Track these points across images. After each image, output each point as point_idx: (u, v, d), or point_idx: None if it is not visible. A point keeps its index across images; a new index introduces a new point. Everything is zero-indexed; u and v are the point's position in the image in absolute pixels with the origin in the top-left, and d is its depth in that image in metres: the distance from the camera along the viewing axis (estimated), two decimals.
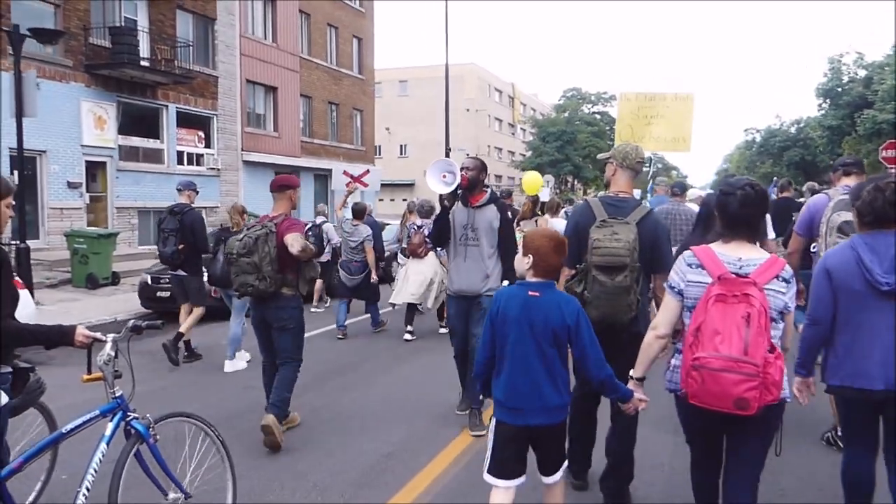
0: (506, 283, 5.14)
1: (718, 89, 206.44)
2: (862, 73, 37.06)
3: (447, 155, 28.17)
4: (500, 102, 67.69)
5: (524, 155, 54.53)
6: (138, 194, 19.19)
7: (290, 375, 5.21)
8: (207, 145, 22.25)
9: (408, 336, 9.02)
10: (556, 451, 3.17)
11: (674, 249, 7.33)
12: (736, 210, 2.88)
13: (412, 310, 9.19)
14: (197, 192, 8.11)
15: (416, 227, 8.97)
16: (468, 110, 59.56)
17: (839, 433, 4.37)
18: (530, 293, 3.02)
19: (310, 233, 8.93)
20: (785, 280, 2.82)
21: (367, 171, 14.00)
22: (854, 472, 3.26)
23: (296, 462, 4.81)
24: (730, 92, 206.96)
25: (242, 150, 23.70)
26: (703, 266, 2.87)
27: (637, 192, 9.28)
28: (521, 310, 3.01)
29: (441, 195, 5.10)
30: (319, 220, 11.03)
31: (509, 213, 5.66)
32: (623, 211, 3.76)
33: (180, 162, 21.11)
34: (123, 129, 18.96)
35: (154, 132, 20.20)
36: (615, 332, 3.60)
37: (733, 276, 2.76)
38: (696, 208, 7.32)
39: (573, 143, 48.50)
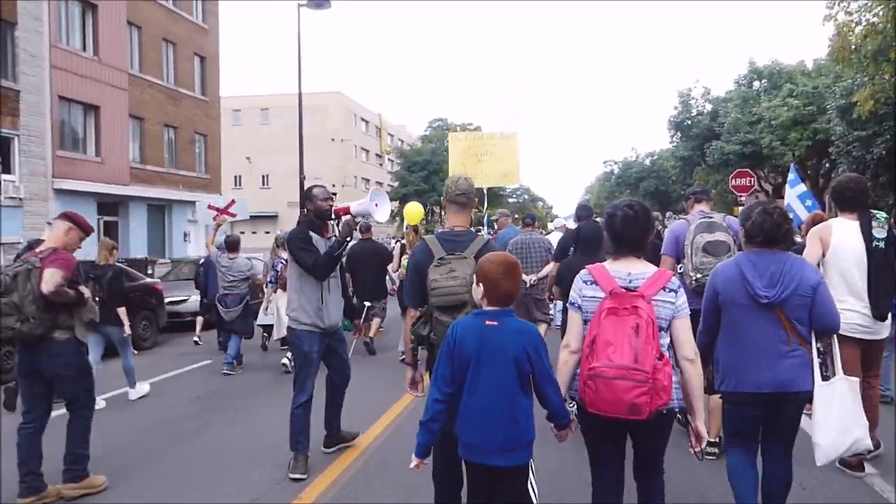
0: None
1: (579, 123, 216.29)
2: (709, 106, 38.65)
3: (301, 185, 26.29)
4: (367, 132, 66.56)
5: (392, 185, 53.20)
6: None
7: (83, 426, 4.82)
8: (6, 170, 18.96)
9: (286, 363, 8.93)
10: (517, 495, 3.00)
11: (531, 277, 7.62)
12: (619, 229, 3.11)
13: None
14: None
15: (284, 261, 8.79)
16: (333, 140, 58.04)
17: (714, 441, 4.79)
18: (487, 322, 2.95)
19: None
20: (672, 290, 3.02)
21: (233, 201, 13.62)
22: (741, 471, 3.52)
23: None
24: (589, 125, 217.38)
25: (54, 176, 20.55)
26: (596, 282, 3.06)
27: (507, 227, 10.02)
28: (478, 341, 2.92)
29: (349, 226, 5.15)
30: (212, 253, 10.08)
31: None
32: (460, 245, 3.68)
33: None
34: None
35: None
36: None
37: (623, 290, 2.97)
38: (554, 236, 7.92)
39: (439, 174, 47.75)
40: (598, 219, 8.05)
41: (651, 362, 2.79)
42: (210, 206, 12.96)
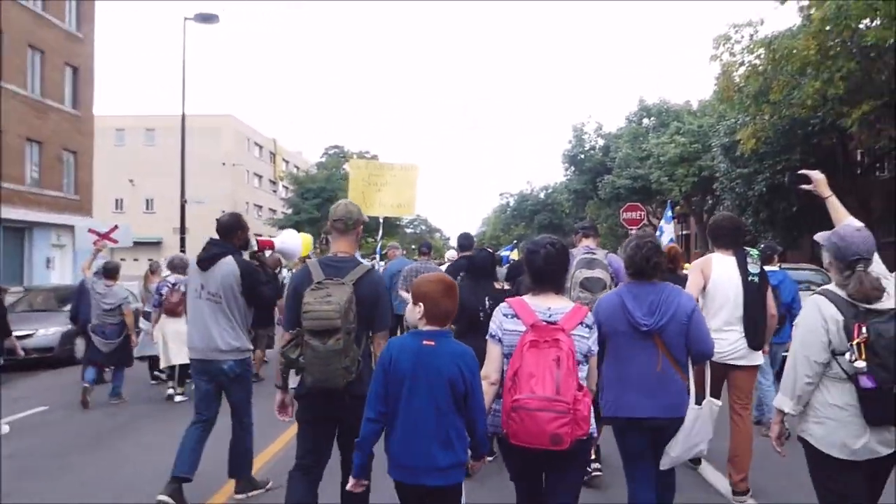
0: None
1: (477, 155, 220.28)
2: (601, 141, 39.72)
3: (182, 209, 24.76)
4: (261, 158, 64.68)
5: (286, 213, 51.50)
6: None
7: None
8: None
9: (179, 398, 8.77)
10: None
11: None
12: (541, 265, 3.22)
13: (183, 370, 8.70)
14: None
15: (170, 285, 8.74)
16: (224, 164, 55.80)
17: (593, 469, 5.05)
18: (425, 342, 2.96)
19: None
20: (587, 326, 3.18)
21: (116, 226, 13.20)
22: (640, 500, 3.61)
23: None
24: (487, 157, 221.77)
25: None
26: (517, 315, 3.13)
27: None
28: (414, 361, 2.92)
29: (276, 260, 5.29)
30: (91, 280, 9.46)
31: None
32: (341, 271, 3.69)
33: None
34: None
35: None
36: (334, 396, 3.57)
37: (544, 323, 3.06)
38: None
39: (333, 201, 46.54)
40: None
41: (572, 393, 2.88)
42: (91, 231, 12.58)
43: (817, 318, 2.94)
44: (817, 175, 3.84)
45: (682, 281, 5.22)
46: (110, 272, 9.05)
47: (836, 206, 3.69)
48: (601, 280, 5.18)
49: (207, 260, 4.92)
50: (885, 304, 2.84)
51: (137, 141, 56.18)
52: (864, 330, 2.81)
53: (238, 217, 5.24)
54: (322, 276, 3.62)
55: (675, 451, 3.61)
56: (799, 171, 3.98)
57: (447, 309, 3.01)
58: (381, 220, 11.98)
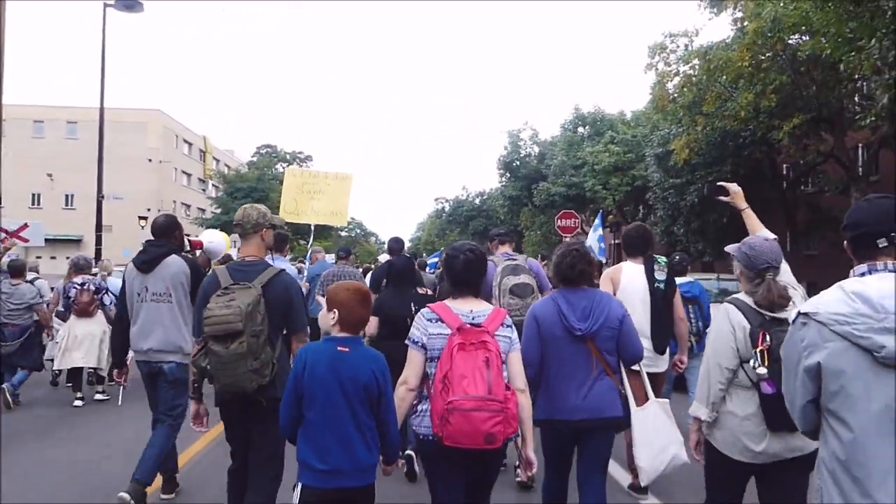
0: None
1: (413, 159, 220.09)
2: (537, 148, 39.80)
3: (99, 205, 23.36)
4: (190, 155, 62.61)
5: (215, 212, 49.78)
6: None
7: None
8: None
9: (78, 402, 8.34)
10: None
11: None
12: (460, 270, 3.31)
13: (78, 374, 8.57)
14: None
15: (78, 285, 8.59)
16: (151, 161, 53.73)
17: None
18: (339, 348, 2.99)
19: None
20: (508, 326, 3.26)
21: (26, 224, 12.84)
22: (552, 492, 3.80)
23: None
24: (423, 162, 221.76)
25: None
26: (441, 320, 3.17)
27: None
28: (329, 366, 2.95)
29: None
30: (31, 276, 9.37)
31: None
32: (249, 275, 3.68)
33: None
34: None
35: None
36: (247, 401, 3.56)
37: (469, 326, 3.11)
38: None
39: (264, 202, 45.22)
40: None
41: (502, 392, 2.97)
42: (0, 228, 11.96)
43: (726, 325, 3.05)
44: (734, 187, 3.97)
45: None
46: (16, 270, 8.66)
47: (751, 218, 3.82)
48: (529, 285, 5.30)
49: (150, 262, 4.79)
50: (790, 313, 2.78)
51: (58, 134, 53.60)
52: (767, 337, 2.93)
53: (174, 218, 5.21)
54: (230, 282, 3.61)
55: (644, 460, 3.77)
56: (717, 183, 4.09)
57: (361, 316, 3.07)
58: (313, 227, 11.89)
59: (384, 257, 14.49)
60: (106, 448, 6.39)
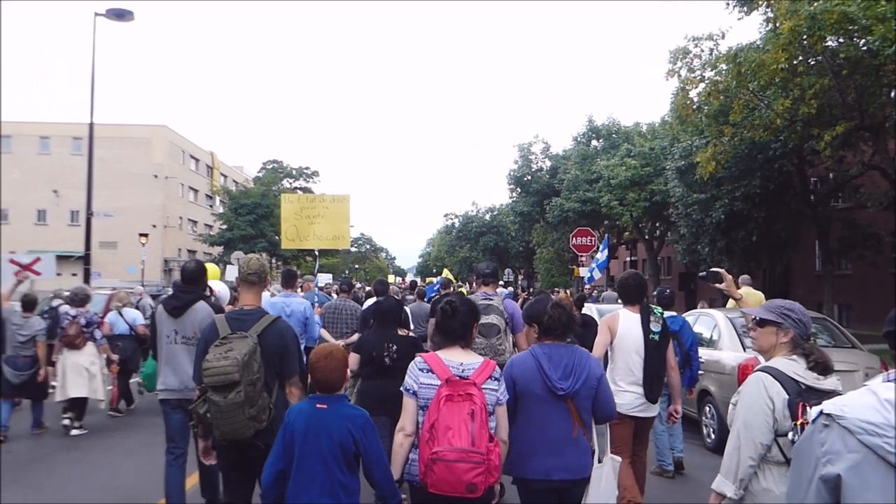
0: None
1: (421, 174, 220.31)
2: (548, 162, 38.40)
3: (88, 222, 22.36)
4: (197, 171, 61.82)
5: (222, 228, 48.72)
6: None
7: None
8: None
9: (76, 431, 8.73)
10: None
11: (341, 342, 7.86)
12: (441, 322, 3.45)
13: (79, 404, 8.84)
14: None
15: (70, 317, 8.82)
16: (156, 176, 52.89)
17: None
18: (318, 406, 3.19)
19: None
20: (495, 379, 3.34)
21: (38, 258, 12.21)
22: None
23: None
24: (432, 177, 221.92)
25: None
26: (432, 370, 3.29)
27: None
28: (308, 423, 3.15)
29: None
30: (56, 302, 10.21)
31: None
32: (246, 324, 3.85)
33: None
34: None
35: None
36: (245, 446, 3.70)
37: (458, 378, 3.22)
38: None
39: (269, 218, 44.10)
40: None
41: (485, 444, 3.07)
42: (12, 261, 11.86)
43: (763, 396, 2.90)
44: (727, 275, 4.08)
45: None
46: (28, 304, 9.08)
47: (747, 305, 3.83)
48: (495, 326, 5.53)
49: (180, 307, 5.13)
50: (827, 383, 2.87)
51: (63, 150, 52.80)
52: (808, 409, 2.68)
53: (202, 264, 5.59)
54: (228, 331, 3.78)
55: None
56: (712, 269, 4.10)
57: (333, 380, 3.27)
58: (317, 252, 12.10)
59: (391, 278, 15.19)
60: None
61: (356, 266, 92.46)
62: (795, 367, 2.91)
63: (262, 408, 3.63)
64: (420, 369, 3.31)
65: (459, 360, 3.32)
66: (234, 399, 3.53)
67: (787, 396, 2.83)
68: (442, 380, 3.19)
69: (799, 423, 2.72)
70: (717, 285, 4.06)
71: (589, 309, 11.53)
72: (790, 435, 2.77)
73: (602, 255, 17.82)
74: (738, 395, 3.04)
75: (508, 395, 3.48)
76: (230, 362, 3.52)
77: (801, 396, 2.81)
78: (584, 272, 18.93)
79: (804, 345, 2.96)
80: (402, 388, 3.35)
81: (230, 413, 3.55)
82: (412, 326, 8.19)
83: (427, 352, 3.69)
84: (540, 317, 3.67)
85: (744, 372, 7.35)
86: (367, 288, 18.38)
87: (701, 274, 4.15)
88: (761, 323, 3.11)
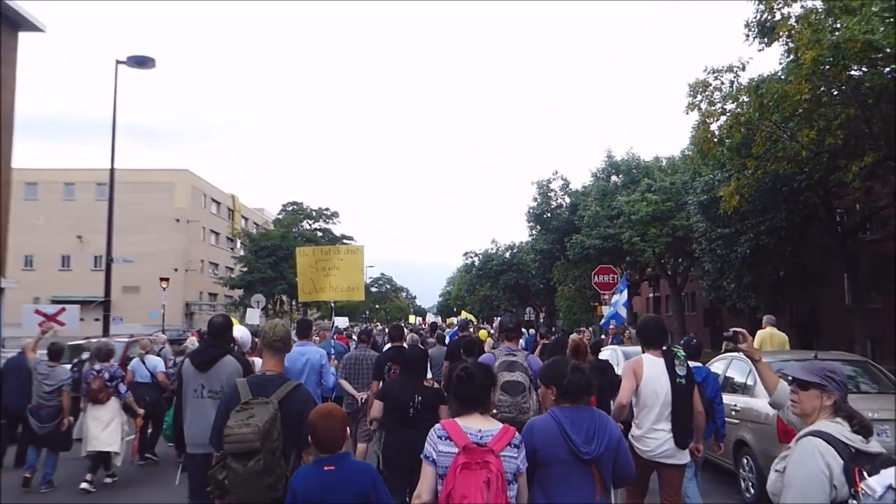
0: None
1: (442, 211, 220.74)
2: (568, 199, 38.04)
3: (108, 267, 22.13)
4: (219, 214, 62.51)
5: (243, 271, 48.88)
6: None
7: None
8: None
9: (108, 480, 8.91)
10: None
11: (362, 394, 8.24)
12: (457, 388, 3.46)
13: (102, 458, 8.82)
14: None
15: (95, 372, 8.75)
16: (178, 220, 53.45)
17: None
18: (325, 468, 3.27)
19: None
20: (515, 446, 3.32)
21: (63, 308, 13.43)
22: None
23: None
24: (452, 215, 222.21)
25: None
26: (450, 437, 3.28)
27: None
28: (320, 486, 3.22)
29: None
30: (85, 355, 10.28)
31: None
32: (268, 389, 3.88)
33: None
34: None
35: None
36: None
37: (475, 445, 3.21)
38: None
39: (289, 260, 44.24)
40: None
41: None
42: (37, 312, 12.84)
43: (818, 463, 2.73)
44: (748, 336, 3.99)
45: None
46: (55, 353, 9.12)
47: (766, 371, 3.81)
48: (521, 384, 5.62)
49: (207, 362, 5.19)
50: (873, 445, 2.78)
51: (87, 196, 53.61)
52: (865, 475, 2.62)
53: (229, 318, 5.65)
54: (249, 396, 3.81)
55: None
56: (734, 329, 4.04)
57: (335, 439, 3.34)
58: (333, 304, 12.46)
59: (411, 318, 15.37)
60: None
61: (377, 306, 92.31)
62: (843, 431, 2.81)
63: (279, 476, 3.65)
64: (439, 437, 3.32)
65: (478, 426, 3.33)
66: (253, 467, 3.56)
67: (842, 462, 2.71)
68: (459, 447, 3.19)
69: (858, 489, 2.62)
70: (739, 345, 3.99)
71: (613, 350, 11.26)
72: (850, 503, 2.65)
73: (623, 297, 17.14)
74: (786, 460, 2.89)
75: (528, 461, 3.43)
76: (251, 430, 3.55)
77: (855, 461, 2.71)
78: (605, 311, 18.51)
79: (846, 407, 2.91)
80: (422, 456, 3.37)
81: (249, 481, 3.57)
82: (430, 375, 8.12)
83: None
84: (559, 380, 3.64)
85: (783, 422, 6.95)
86: (387, 329, 18.15)
87: (725, 334, 4.12)
88: (804, 386, 3.02)
